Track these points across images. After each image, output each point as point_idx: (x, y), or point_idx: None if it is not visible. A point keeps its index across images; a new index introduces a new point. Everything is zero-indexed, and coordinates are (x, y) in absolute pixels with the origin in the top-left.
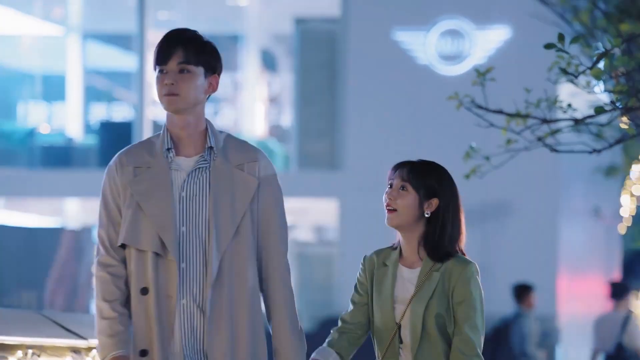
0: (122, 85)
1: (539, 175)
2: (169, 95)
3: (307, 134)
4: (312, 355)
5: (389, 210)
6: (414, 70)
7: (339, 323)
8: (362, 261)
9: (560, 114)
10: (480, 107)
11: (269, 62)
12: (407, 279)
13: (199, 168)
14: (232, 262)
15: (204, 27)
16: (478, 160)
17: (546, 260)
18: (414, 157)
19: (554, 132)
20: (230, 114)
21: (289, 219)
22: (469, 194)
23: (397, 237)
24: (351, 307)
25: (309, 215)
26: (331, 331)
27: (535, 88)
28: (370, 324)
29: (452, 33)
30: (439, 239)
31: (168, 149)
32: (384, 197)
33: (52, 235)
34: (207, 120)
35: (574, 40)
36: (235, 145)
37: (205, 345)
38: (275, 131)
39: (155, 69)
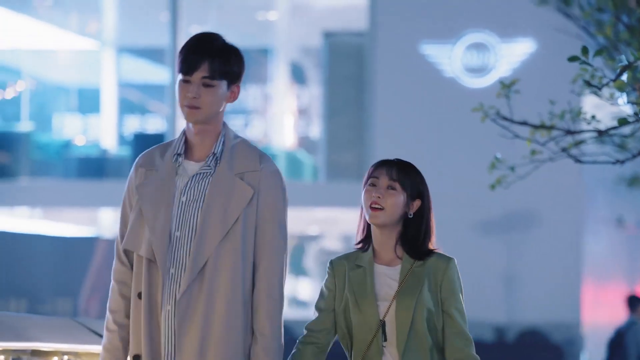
0: (155, 98)
1: (563, 185)
2: (190, 107)
3: (335, 145)
4: None
5: (375, 208)
6: (440, 82)
7: (304, 332)
8: (329, 266)
9: (584, 126)
10: (505, 118)
11: (298, 75)
12: (388, 275)
13: (201, 173)
14: (216, 268)
15: (234, 41)
16: (503, 171)
17: (570, 269)
18: (440, 168)
19: (578, 143)
20: (260, 125)
21: (318, 229)
22: (494, 204)
23: (357, 238)
24: (316, 314)
25: (337, 225)
26: (297, 342)
27: (559, 100)
28: (336, 330)
29: (478, 46)
30: (421, 238)
31: (177, 154)
32: (366, 195)
33: (86, 244)
34: (224, 125)
35: (598, 53)
36: (243, 152)
37: (176, 340)
38: (304, 142)
39: (178, 73)
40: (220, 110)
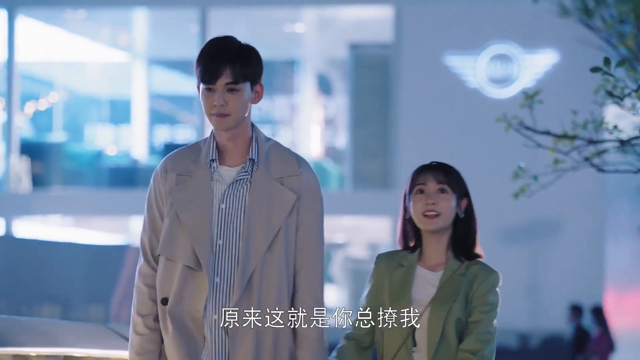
0: (185, 109)
1: (586, 194)
2: (219, 115)
3: (361, 154)
4: None
5: (430, 216)
6: (464, 93)
7: (352, 328)
8: (375, 261)
9: (606, 135)
10: (528, 128)
11: (324, 86)
12: (428, 280)
13: (240, 180)
14: (263, 277)
15: (262, 53)
16: (526, 180)
17: (593, 277)
18: (464, 177)
19: (600, 153)
20: (287, 135)
21: (344, 237)
22: (518, 213)
23: (401, 245)
24: (362, 311)
25: (363, 233)
26: (341, 339)
27: (582, 110)
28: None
29: (501, 57)
30: (472, 237)
31: (212, 160)
32: (418, 203)
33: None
34: (253, 127)
35: (620, 64)
36: (279, 156)
37: (230, 355)
38: (331, 152)
39: (200, 83)
40: (247, 112)
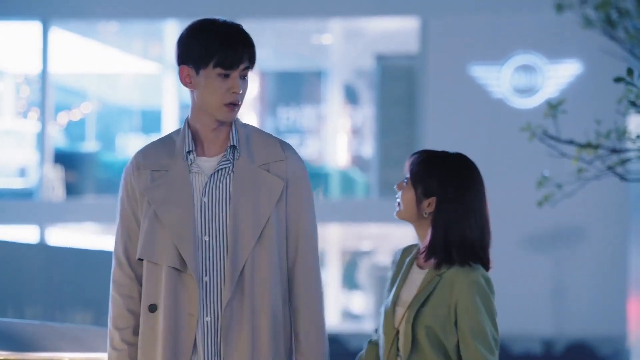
0: None
1: (609, 202)
2: (234, 104)
3: (387, 163)
4: None
5: (397, 204)
6: (488, 103)
7: (374, 333)
8: (393, 257)
9: (629, 144)
10: (552, 137)
11: (351, 96)
12: (414, 280)
13: (221, 169)
14: (254, 270)
15: (291, 64)
16: (550, 189)
17: (616, 283)
18: (489, 185)
19: (623, 162)
20: (314, 144)
21: (370, 244)
22: (542, 221)
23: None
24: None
25: (388, 241)
26: (367, 342)
27: (605, 119)
28: None
29: (526, 68)
30: (432, 242)
31: (189, 151)
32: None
33: None
34: None
35: None
36: (261, 141)
37: (223, 355)
38: (357, 161)
39: (210, 67)
40: None
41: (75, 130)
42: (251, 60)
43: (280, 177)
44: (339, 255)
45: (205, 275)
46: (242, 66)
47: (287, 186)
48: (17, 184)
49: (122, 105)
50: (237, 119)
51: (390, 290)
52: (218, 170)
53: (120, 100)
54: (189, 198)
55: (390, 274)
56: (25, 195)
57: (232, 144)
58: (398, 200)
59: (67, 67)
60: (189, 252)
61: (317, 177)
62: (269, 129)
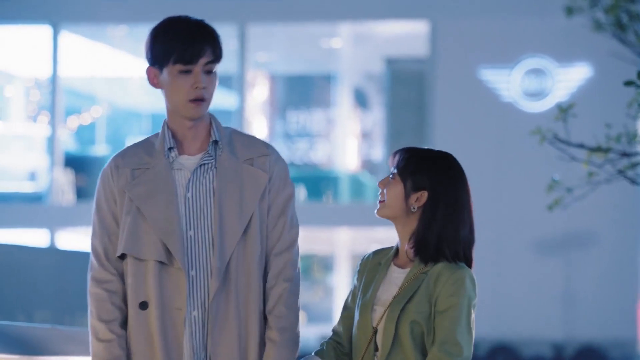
0: (223, 122)
1: (619, 206)
2: (199, 100)
3: None
4: None
5: (379, 201)
6: (498, 106)
7: (331, 334)
8: (360, 261)
9: (639, 148)
10: (562, 141)
11: (361, 100)
12: (394, 279)
13: (204, 165)
14: (240, 263)
15: (300, 68)
16: (560, 192)
17: (627, 287)
18: (499, 189)
19: (634, 165)
20: (324, 148)
21: (379, 248)
22: (552, 225)
23: None
24: (342, 312)
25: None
26: (323, 343)
27: (615, 123)
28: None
29: (536, 71)
30: (423, 237)
31: (170, 148)
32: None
33: None
34: (210, 113)
35: None
36: (242, 139)
37: (210, 348)
38: (367, 165)
39: (161, 65)
40: None
41: (85, 133)
42: (215, 54)
43: (264, 171)
44: (348, 259)
45: (192, 270)
46: (202, 60)
47: (270, 181)
48: (27, 187)
49: (131, 109)
50: (215, 118)
51: (364, 293)
52: (200, 166)
53: (130, 104)
54: (172, 193)
55: (355, 279)
56: (35, 199)
57: (214, 139)
58: (381, 198)
59: (77, 70)
60: (176, 246)
61: (326, 181)
62: (278, 132)
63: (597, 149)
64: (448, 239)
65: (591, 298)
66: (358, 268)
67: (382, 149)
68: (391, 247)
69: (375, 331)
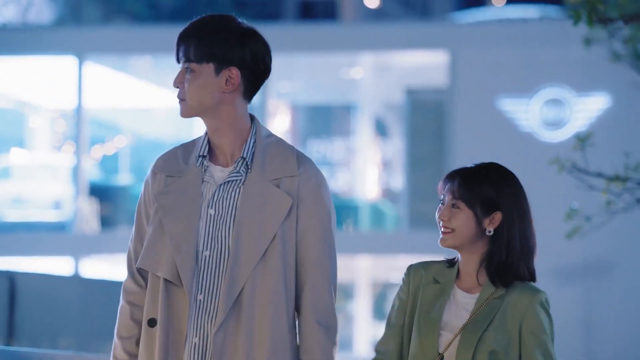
0: None
1: (638, 235)
2: (179, 100)
3: (417, 195)
4: None
5: (444, 232)
6: (517, 136)
7: (374, 354)
8: (405, 272)
9: None
10: (581, 170)
11: (381, 129)
12: (462, 304)
13: (231, 181)
14: (254, 295)
15: (321, 98)
16: (579, 221)
17: None
18: None
19: None
20: (344, 177)
21: (400, 276)
22: (571, 253)
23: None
24: (385, 330)
25: None
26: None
27: (633, 152)
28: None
29: (554, 101)
30: (505, 259)
31: (202, 156)
32: (437, 214)
33: None
34: (253, 121)
35: None
36: (277, 153)
37: None
38: (387, 193)
39: None
40: (217, 102)
41: (109, 163)
42: (196, 54)
43: (290, 194)
44: (369, 287)
45: (200, 293)
46: (183, 59)
47: (299, 205)
48: (52, 216)
49: (155, 139)
50: (263, 128)
51: (424, 312)
52: (227, 182)
53: (154, 134)
54: (196, 209)
55: (401, 292)
56: (60, 227)
57: (242, 155)
58: (446, 229)
59: (102, 101)
60: (183, 267)
61: (347, 209)
62: None
63: (616, 178)
64: (524, 256)
65: (611, 326)
66: (406, 280)
67: (401, 177)
68: (442, 262)
69: (442, 357)
